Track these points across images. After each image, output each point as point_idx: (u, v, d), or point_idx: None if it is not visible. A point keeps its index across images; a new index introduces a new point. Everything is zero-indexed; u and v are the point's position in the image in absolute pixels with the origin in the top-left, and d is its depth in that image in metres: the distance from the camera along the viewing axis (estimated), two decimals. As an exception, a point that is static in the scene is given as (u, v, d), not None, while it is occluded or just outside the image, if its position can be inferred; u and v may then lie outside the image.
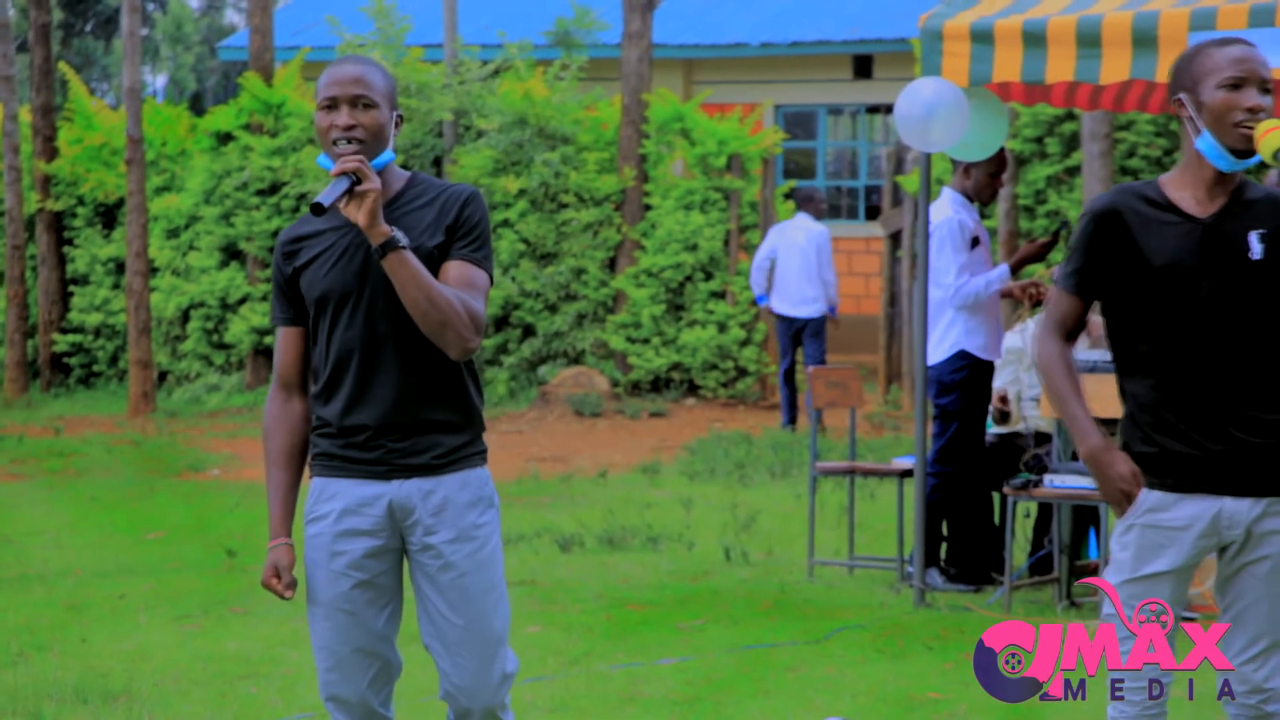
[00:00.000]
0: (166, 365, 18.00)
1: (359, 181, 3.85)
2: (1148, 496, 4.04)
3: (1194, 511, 4.03)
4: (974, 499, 8.46)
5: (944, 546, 8.52)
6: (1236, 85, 4.02)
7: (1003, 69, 7.48)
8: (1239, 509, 4.03)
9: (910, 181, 15.46)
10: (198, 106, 34.31)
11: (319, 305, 4.01)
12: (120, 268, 18.13)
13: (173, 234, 18.02)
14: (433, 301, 3.87)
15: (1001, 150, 8.39)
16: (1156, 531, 4.04)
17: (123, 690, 6.38)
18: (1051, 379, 4.15)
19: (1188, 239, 4.05)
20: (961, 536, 8.44)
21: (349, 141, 3.92)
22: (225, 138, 17.87)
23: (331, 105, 3.95)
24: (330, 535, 4.00)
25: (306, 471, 4.12)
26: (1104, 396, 6.56)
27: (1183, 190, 4.10)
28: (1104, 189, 13.92)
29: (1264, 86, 4.04)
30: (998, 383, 8.50)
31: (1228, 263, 4.03)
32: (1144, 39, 7.12)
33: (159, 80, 43.21)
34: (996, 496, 8.59)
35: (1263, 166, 16.23)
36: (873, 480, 10.99)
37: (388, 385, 3.97)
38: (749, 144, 16.89)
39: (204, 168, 17.78)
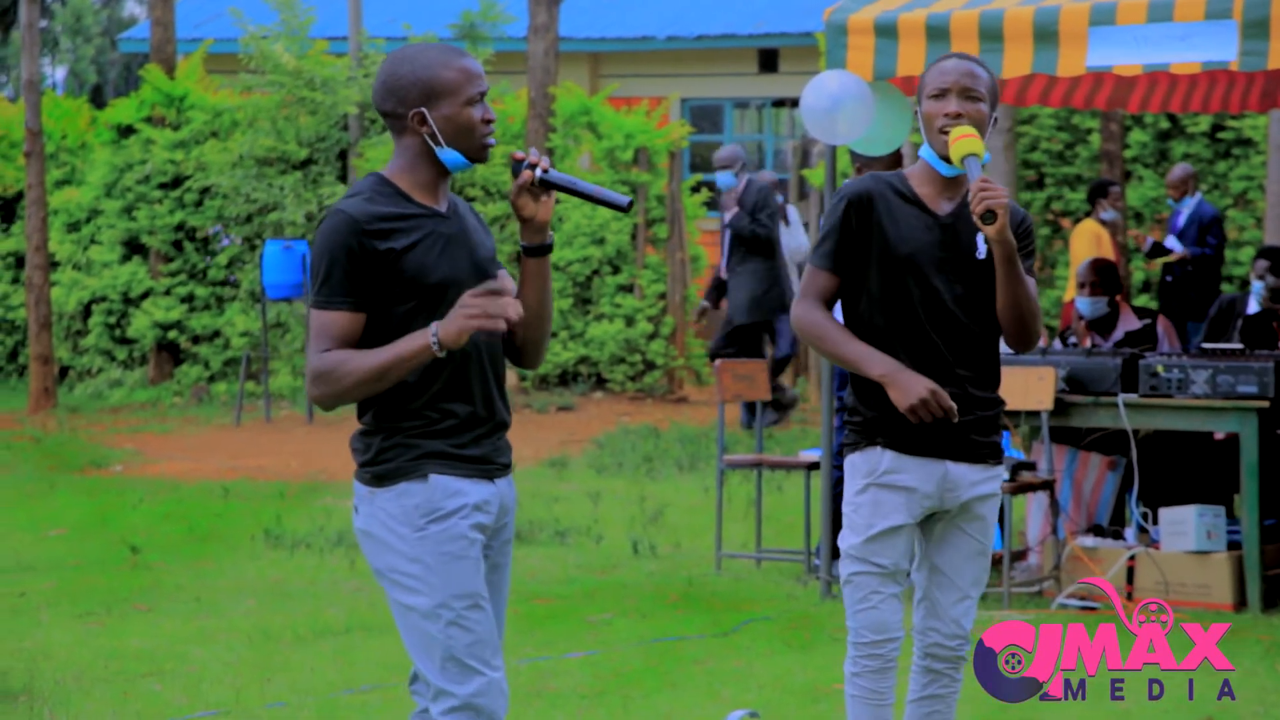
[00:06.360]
0: (68, 360, 17.79)
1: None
2: (884, 458, 4.42)
3: (923, 473, 4.39)
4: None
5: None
6: (939, 95, 4.42)
7: (906, 63, 7.53)
8: (961, 474, 4.42)
9: (816, 175, 15.52)
10: (98, 99, 33.93)
11: (430, 292, 3.78)
12: (20, 262, 17.89)
13: (73, 228, 17.80)
14: (550, 311, 3.99)
15: (898, 151, 8.40)
16: (892, 491, 4.41)
17: (23, 689, 6.30)
18: (822, 331, 4.46)
19: (929, 232, 4.45)
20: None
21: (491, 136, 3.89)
22: (126, 130, 17.66)
23: (483, 98, 3.88)
24: (467, 526, 3.94)
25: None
26: (1013, 389, 6.63)
27: (924, 187, 4.49)
28: (1007, 183, 14.03)
29: (967, 94, 4.39)
30: None
31: (959, 257, 4.46)
32: (1045, 33, 7.19)
33: (58, 72, 42.70)
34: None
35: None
36: (780, 473, 11.03)
37: (480, 382, 3.93)
38: (656, 137, 16.89)
39: (105, 161, 17.57)
